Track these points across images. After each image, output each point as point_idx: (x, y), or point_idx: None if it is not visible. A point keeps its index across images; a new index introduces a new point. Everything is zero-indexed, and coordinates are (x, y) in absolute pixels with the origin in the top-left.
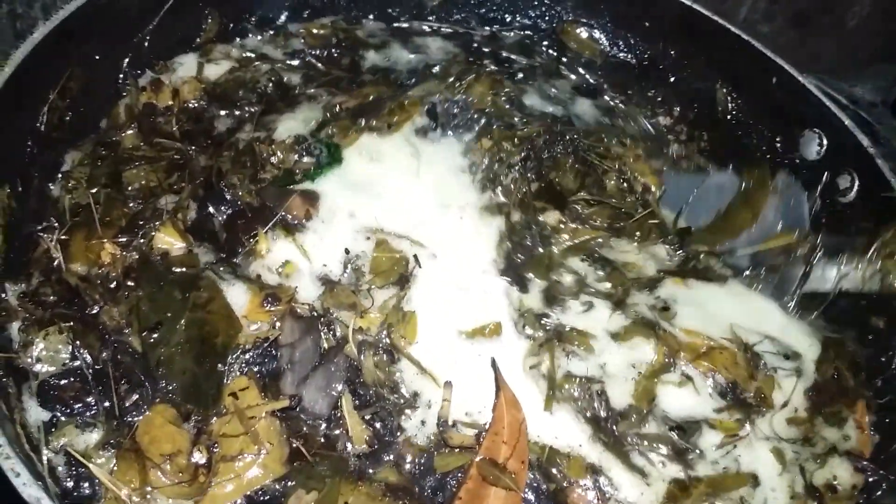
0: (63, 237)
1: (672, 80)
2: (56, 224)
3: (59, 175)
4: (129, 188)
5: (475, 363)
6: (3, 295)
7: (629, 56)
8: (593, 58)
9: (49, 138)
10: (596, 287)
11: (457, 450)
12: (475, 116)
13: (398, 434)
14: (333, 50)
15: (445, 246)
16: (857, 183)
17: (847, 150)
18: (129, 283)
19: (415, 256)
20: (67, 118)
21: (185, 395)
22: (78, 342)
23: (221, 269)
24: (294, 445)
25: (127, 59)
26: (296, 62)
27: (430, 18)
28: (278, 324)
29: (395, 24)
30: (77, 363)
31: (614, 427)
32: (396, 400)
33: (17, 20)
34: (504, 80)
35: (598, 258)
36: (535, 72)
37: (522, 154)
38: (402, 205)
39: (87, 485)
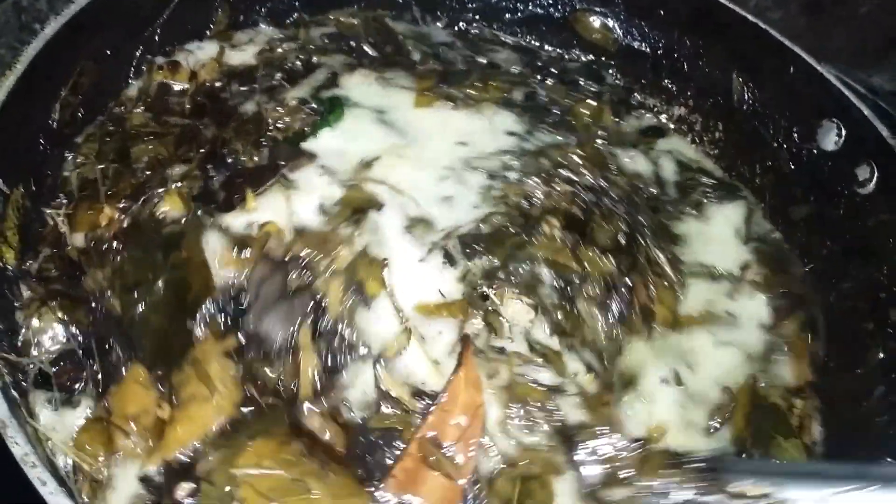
0: (69, 212)
1: (687, 69)
2: (65, 200)
3: (69, 153)
4: (138, 162)
5: (438, 335)
6: (20, 290)
7: (643, 45)
8: (606, 46)
9: (61, 135)
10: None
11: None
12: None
13: (344, 377)
14: (370, 38)
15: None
16: (876, 174)
17: (866, 140)
18: (117, 246)
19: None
20: (80, 114)
21: (154, 354)
22: (66, 317)
23: (209, 220)
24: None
25: (138, 53)
26: (332, 44)
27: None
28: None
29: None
30: (70, 342)
31: None
32: (353, 341)
33: (22, 12)
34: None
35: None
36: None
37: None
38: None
39: None
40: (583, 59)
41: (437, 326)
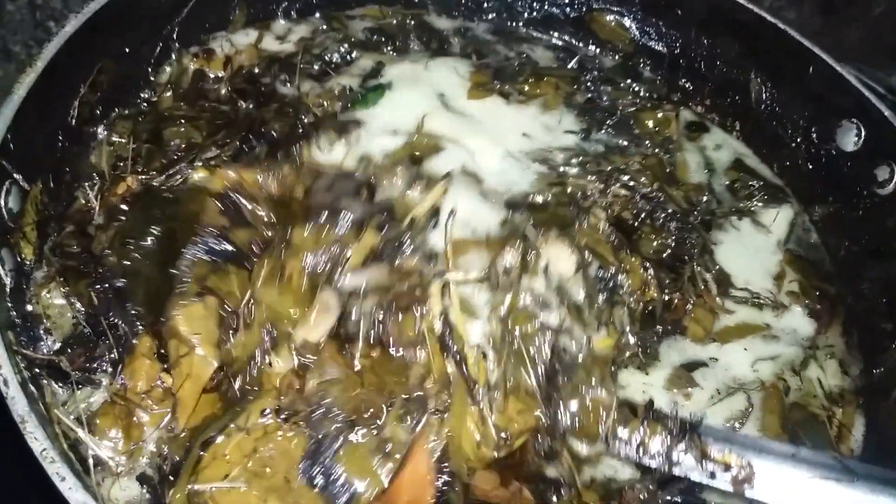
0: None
1: (704, 69)
2: (97, 180)
3: (103, 129)
4: (171, 143)
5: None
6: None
7: (659, 45)
8: (622, 46)
9: (80, 132)
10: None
11: None
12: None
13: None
14: (412, 34)
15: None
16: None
17: (886, 140)
18: (124, 210)
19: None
20: (98, 111)
21: (146, 306)
22: (72, 292)
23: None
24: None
25: (157, 51)
26: (371, 37)
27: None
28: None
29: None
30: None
31: None
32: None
33: (37, 10)
34: None
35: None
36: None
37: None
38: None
39: None
40: (617, 57)
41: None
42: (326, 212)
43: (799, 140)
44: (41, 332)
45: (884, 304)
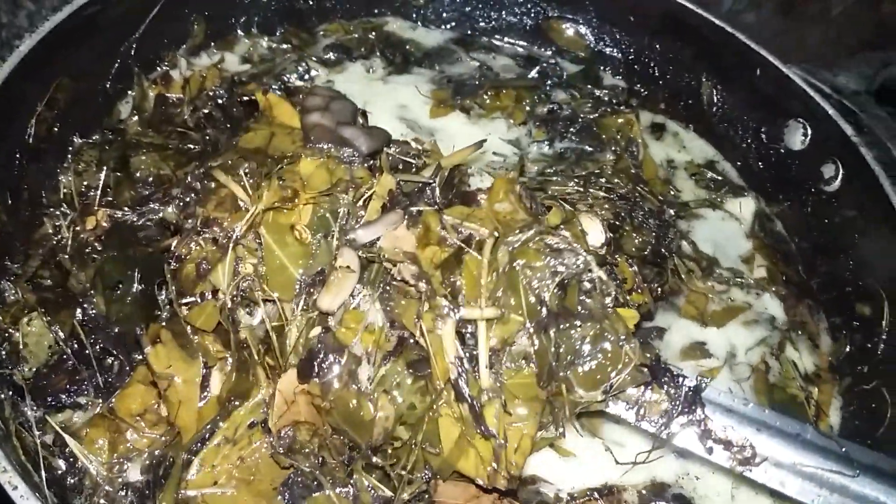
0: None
1: (657, 73)
2: (66, 208)
3: (68, 158)
4: (138, 173)
5: None
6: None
7: (615, 51)
8: (580, 53)
9: (37, 150)
10: None
11: None
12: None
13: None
14: (375, 48)
15: None
16: (841, 171)
17: (831, 139)
18: (98, 246)
19: None
20: (56, 129)
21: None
22: (57, 326)
23: None
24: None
25: (115, 68)
26: (331, 55)
27: (417, 19)
28: None
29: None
30: (60, 349)
31: None
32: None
33: (2, 29)
34: None
35: None
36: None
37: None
38: None
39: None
40: (577, 63)
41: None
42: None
43: (749, 140)
44: (18, 356)
45: (832, 299)
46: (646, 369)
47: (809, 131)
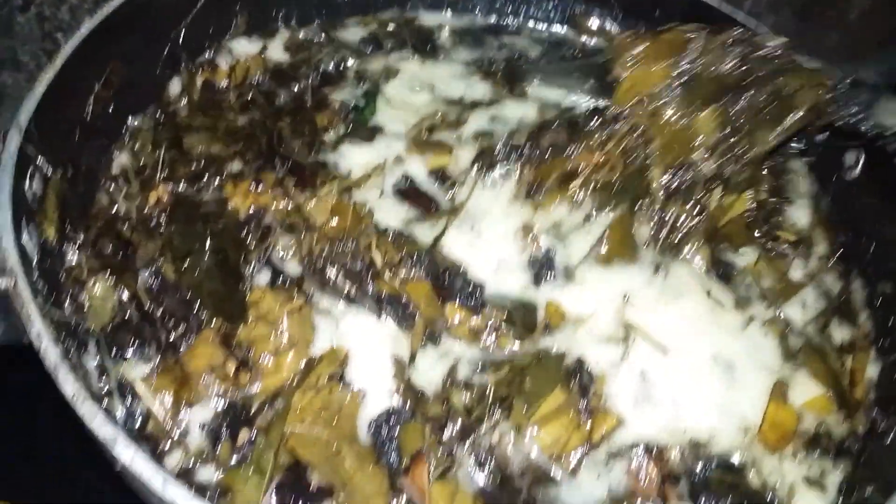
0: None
1: None
2: (122, 183)
3: (126, 138)
4: (192, 152)
5: None
6: (68, 257)
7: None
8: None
9: (94, 127)
10: None
11: None
12: None
13: None
14: (406, 38)
15: None
16: (862, 159)
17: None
18: (163, 220)
19: None
20: (111, 109)
21: (216, 313)
22: (123, 287)
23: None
24: None
25: (164, 53)
26: (366, 47)
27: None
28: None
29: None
30: (125, 309)
31: None
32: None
33: (45, 22)
34: None
35: None
36: None
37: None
38: None
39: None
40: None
41: None
42: None
43: None
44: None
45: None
46: None
47: None
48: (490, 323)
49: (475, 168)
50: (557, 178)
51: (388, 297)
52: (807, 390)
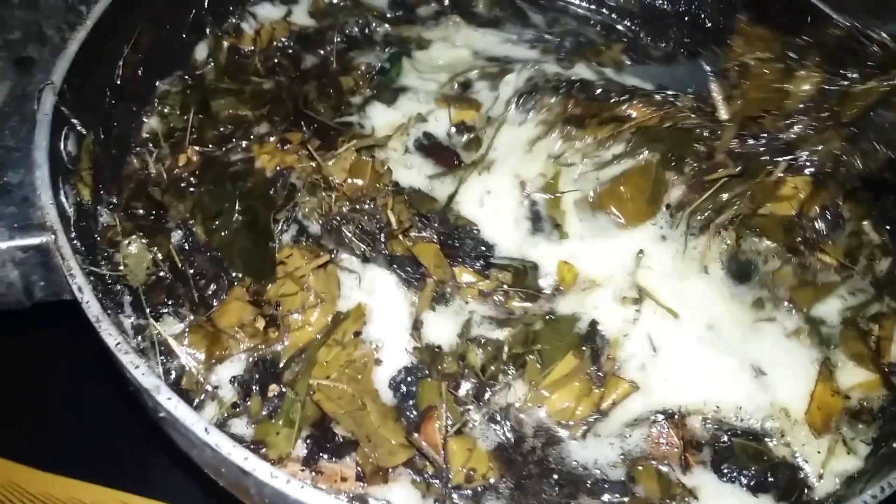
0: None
1: (709, 26)
2: (153, 147)
3: (155, 102)
4: (220, 115)
5: None
6: (102, 219)
7: (666, 4)
8: (629, 7)
9: (124, 91)
10: None
11: None
12: None
13: None
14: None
15: None
16: None
17: None
18: (193, 181)
19: None
20: (140, 73)
21: (246, 272)
22: (155, 248)
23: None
24: None
25: (191, 17)
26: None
27: None
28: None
29: None
30: (158, 269)
31: None
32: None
33: None
34: None
35: None
36: None
37: None
38: None
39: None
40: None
41: None
42: None
43: None
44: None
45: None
46: None
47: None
48: (498, 285)
49: (511, 105)
50: (599, 118)
51: (400, 257)
52: (851, 372)
